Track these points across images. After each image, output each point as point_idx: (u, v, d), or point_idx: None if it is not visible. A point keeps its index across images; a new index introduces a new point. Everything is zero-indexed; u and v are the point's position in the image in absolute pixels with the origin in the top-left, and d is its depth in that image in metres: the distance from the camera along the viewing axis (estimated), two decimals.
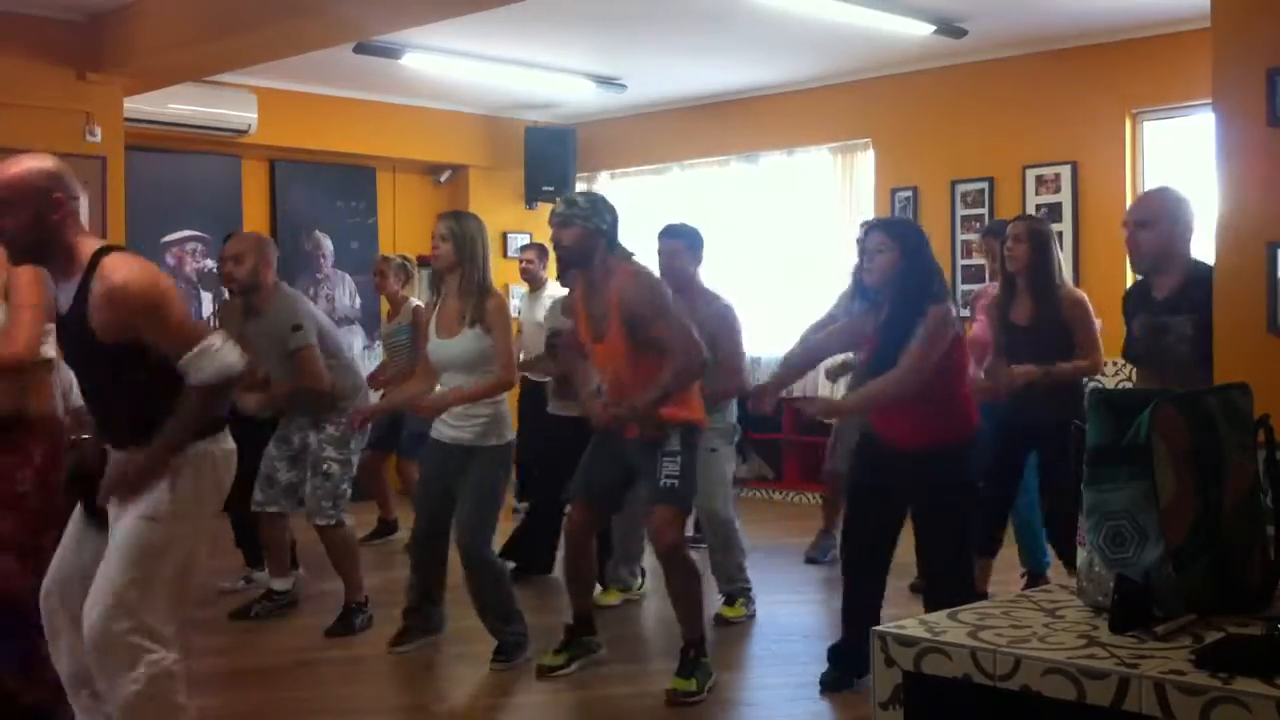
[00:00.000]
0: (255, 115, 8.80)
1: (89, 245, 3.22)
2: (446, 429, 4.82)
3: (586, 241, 4.42)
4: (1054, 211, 7.86)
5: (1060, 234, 7.52)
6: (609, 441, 4.56)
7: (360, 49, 7.77)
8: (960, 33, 7.63)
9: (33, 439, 3.76)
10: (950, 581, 4.16)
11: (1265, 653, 1.50)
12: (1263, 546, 1.82)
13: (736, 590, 5.62)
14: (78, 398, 6.53)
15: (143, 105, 7.99)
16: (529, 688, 4.70)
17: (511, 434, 4.87)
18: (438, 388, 4.86)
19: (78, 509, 3.45)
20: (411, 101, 9.58)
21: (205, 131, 8.71)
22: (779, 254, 9.40)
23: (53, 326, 3.65)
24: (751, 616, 5.61)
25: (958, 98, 8.35)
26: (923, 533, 4.33)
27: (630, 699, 4.52)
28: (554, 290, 7.60)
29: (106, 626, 3.15)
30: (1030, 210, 7.97)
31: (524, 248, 8.34)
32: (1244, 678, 1.45)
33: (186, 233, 8.90)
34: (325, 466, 5.35)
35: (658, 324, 4.35)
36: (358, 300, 9.68)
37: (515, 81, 8.91)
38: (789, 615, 5.70)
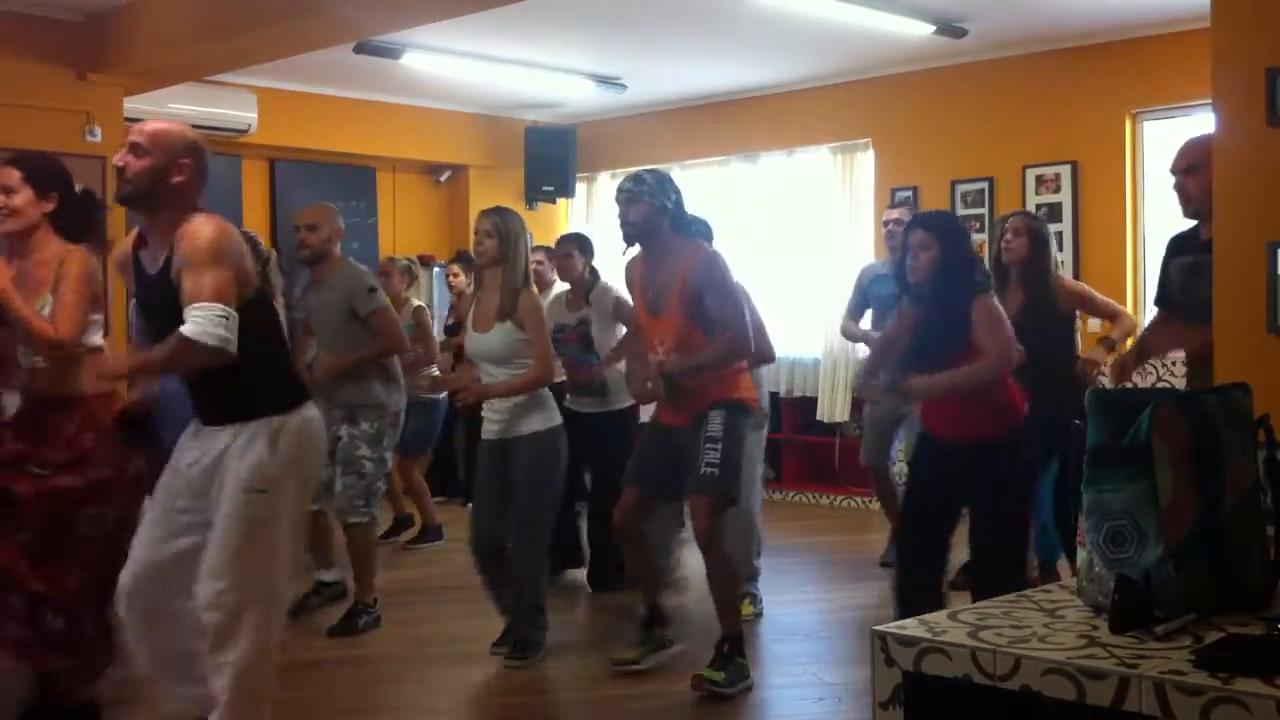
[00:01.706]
0: (255, 115, 8.80)
1: (191, 213, 3.35)
2: (490, 426, 4.90)
3: (652, 218, 4.48)
4: (1054, 211, 7.86)
5: (1060, 234, 7.53)
6: (660, 430, 4.60)
7: (360, 49, 7.77)
8: (960, 33, 7.63)
9: (80, 420, 3.83)
10: (1005, 574, 4.11)
11: (1265, 653, 1.50)
12: (1263, 546, 1.82)
13: (742, 591, 5.55)
14: None
15: (143, 105, 7.98)
16: (533, 687, 4.70)
17: (555, 419, 4.89)
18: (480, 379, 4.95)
19: (150, 502, 3.51)
20: (411, 101, 9.58)
21: (205, 131, 8.55)
22: (779, 254, 9.40)
23: (99, 317, 3.84)
24: (759, 615, 5.56)
25: (958, 98, 8.35)
26: (979, 525, 4.30)
27: (630, 699, 4.52)
28: (560, 289, 7.61)
29: (218, 599, 3.26)
30: (1030, 210, 7.97)
31: (532, 249, 8.39)
32: (1244, 678, 1.45)
33: None
34: (360, 465, 5.33)
35: (718, 301, 4.40)
36: None
37: (515, 81, 8.91)
38: (790, 615, 5.70)
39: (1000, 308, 4.28)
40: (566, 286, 6.34)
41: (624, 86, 9.17)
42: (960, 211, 8.28)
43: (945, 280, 4.22)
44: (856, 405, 8.65)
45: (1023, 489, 4.34)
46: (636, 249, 4.62)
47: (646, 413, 5.45)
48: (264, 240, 9.24)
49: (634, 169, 10.12)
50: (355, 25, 6.71)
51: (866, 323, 6.52)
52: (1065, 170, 7.92)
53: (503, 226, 4.84)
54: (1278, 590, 1.82)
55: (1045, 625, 1.74)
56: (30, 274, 3.82)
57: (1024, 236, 5.23)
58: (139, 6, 7.09)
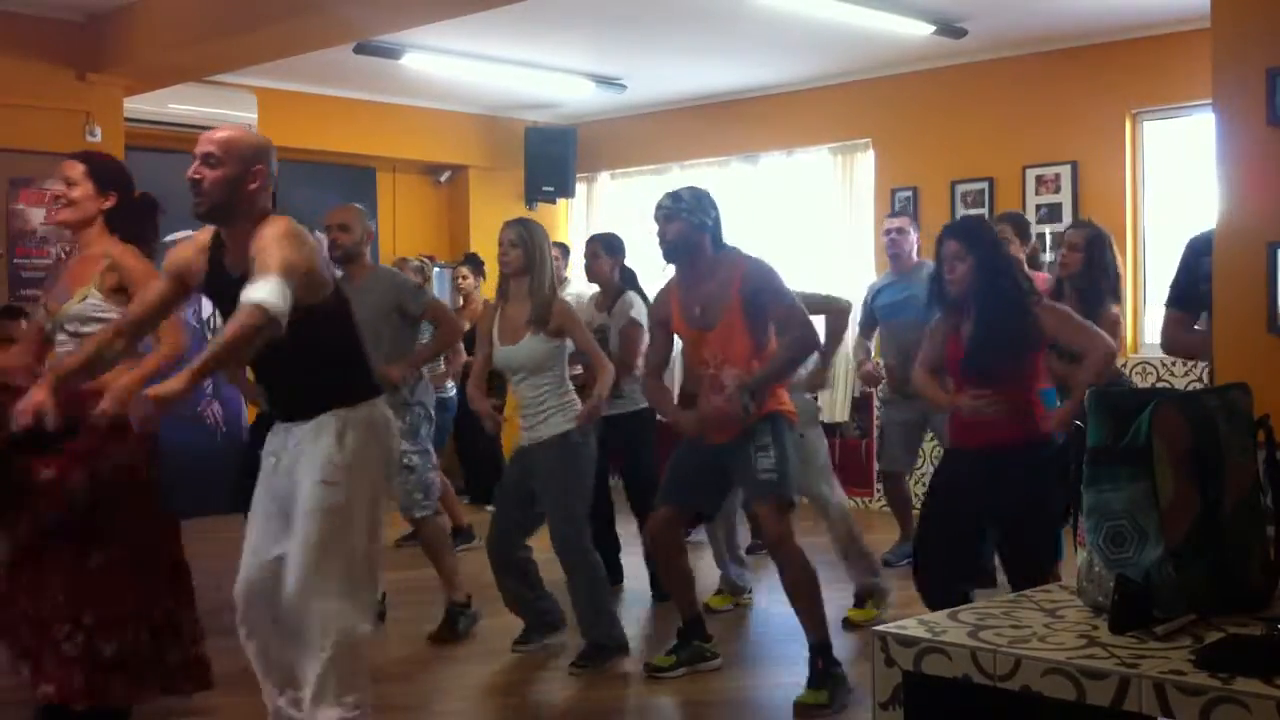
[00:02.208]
0: (255, 115, 8.78)
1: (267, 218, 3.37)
2: (524, 434, 4.92)
3: (689, 236, 4.48)
4: (1054, 211, 7.87)
5: (1060, 233, 7.52)
6: (697, 444, 4.54)
7: (360, 49, 7.77)
8: (960, 33, 7.63)
9: (125, 428, 3.78)
10: (1039, 579, 4.07)
11: (1265, 653, 1.50)
12: (1263, 546, 1.82)
13: (870, 586, 5.44)
14: None
15: (143, 105, 7.98)
16: (541, 685, 4.70)
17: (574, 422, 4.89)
18: (510, 389, 5.02)
19: (254, 505, 3.52)
20: (411, 101, 9.58)
21: (205, 132, 8.69)
22: (779, 254, 9.37)
23: None
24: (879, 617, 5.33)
25: (958, 98, 8.35)
26: (1011, 532, 4.23)
27: (639, 700, 4.52)
28: (576, 289, 7.76)
29: (300, 594, 3.29)
30: (1030, 210, 7.98)
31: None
32: (1244, 678, 1.45)
33: (187, 233, 8.78)
34: (406, 460, 5.29)
35: (777, 302, 4.43)
36: None
37: (515, 81, 8.91)
38: (790, 615, 5.65)
39: (1062, 304, 4.24)
40: (590, 289, 6.45)
41: (624, 86, 9.17)
42: (960, 212, 8.28)
43: (990, 289, 4.12)
44: (857, 406, 8.66)
45: (1054, 494, 4.21)
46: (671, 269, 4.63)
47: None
48: None
49: (634, 169, 10.26)
50: (355, 25, 6.71)
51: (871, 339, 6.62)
52: (1065, 170, 7.92)
53: (527, 236, 4.84)
54: (1278, 590, 1.82)
55: (1045, 625, 1.74)
56: (75, 268, 3.87)
57: (1080, 252, 5.14)
58: (139, 6, 7.08)
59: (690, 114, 9.78)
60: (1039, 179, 8.02)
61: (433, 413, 5.64)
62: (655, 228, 4.53)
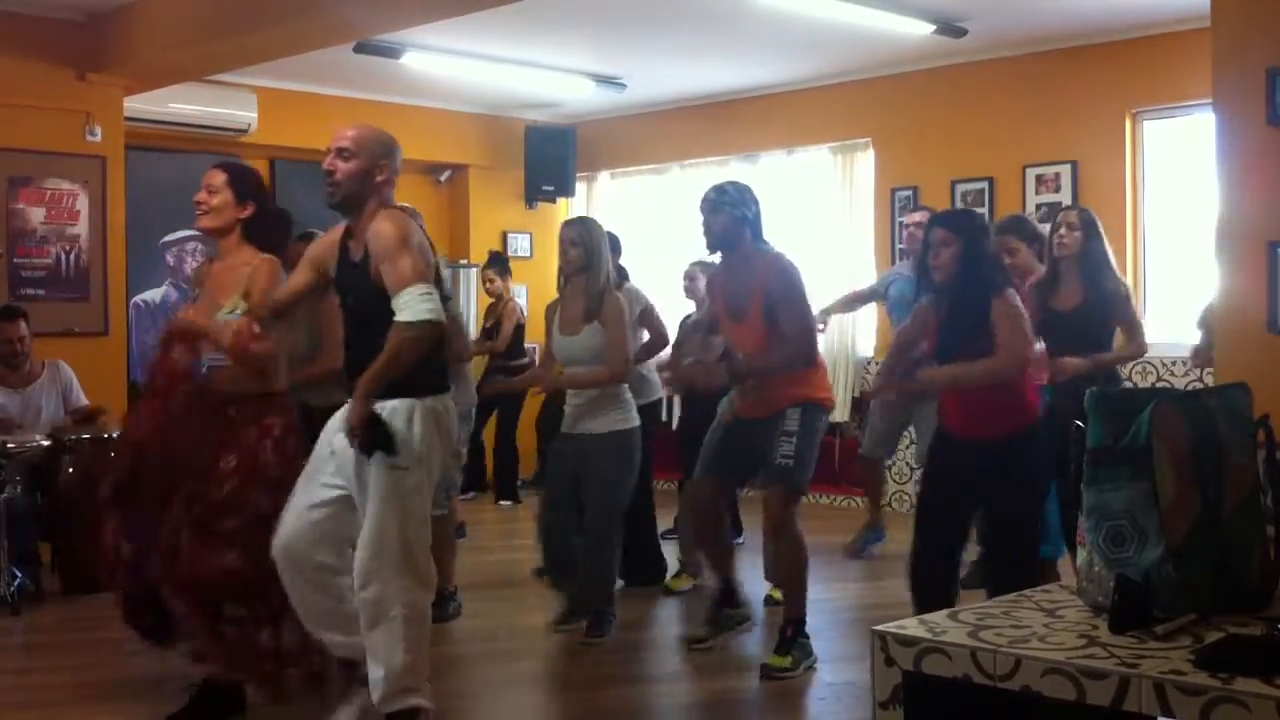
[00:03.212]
0: (255, 115, 8.80)
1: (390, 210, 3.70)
2: (566, 419, 5.16)
3: (733, 228, 4.72)
4: (1054, 211, 7.84)
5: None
6: (735, 422, 4.81)
7: (360, 49, 7.77)
8: (960, 33, 7.63)
9: (274, 414, 4.02)
10: (1020, 571, 4.08)
11: (1265, 653, 1.50)
12: (1263, 546, 1.82)
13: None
14: (77, 397, 6.57)
15: (143, 105, 7.99)
16: (544, 683, 4.70)
17: (632, 421, 5.13)
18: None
19: (307, 467, 3.76)
20: (411, 101, 9.57)
21: (205, 131, 8.71)
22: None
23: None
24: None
25: (958, 98, 8.35)
26: (995, 523, 4.33)
27: (647, 697, 4.52)
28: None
29: (368, 571, 3.54)
30: (1030, 210, 7.97)
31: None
32: (1244, 678, 1.45)
33: (186, 233, 8.88)
34: None
35: (786, 311, 4.64)
36: None
37: (515, 81, 8.91)
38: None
39: (1020, 307, 4.27)
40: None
41: (624, 86, 9.17)
42: None
43: (966, 278, 4.25)
44: (857, 405, 8.65)
45: (1038, 487, 4.36)
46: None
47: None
48: None
49: (634, 169, 10.26)
50: (355, 25, 6.71)
51: (868, 316, 6.74)
52: (1065, 170, 7.92)
53: (587, 236, 5.10)
54: (1278, 590, 1.82)
55: (1045, 625, 1.74)
56: (220, 276, 4.09)
57: (1078, 231, 5.26)
58: (139, 6, 7.08)
59: (690, 114, 9.77)
60: (1039, 179, 8.02)
61: (472, 413, 5.72)
62: (700, 218, 4.76)
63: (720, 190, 4.76)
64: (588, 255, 5.07)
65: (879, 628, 1.74)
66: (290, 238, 4.45)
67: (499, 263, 8.86)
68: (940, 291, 4.36)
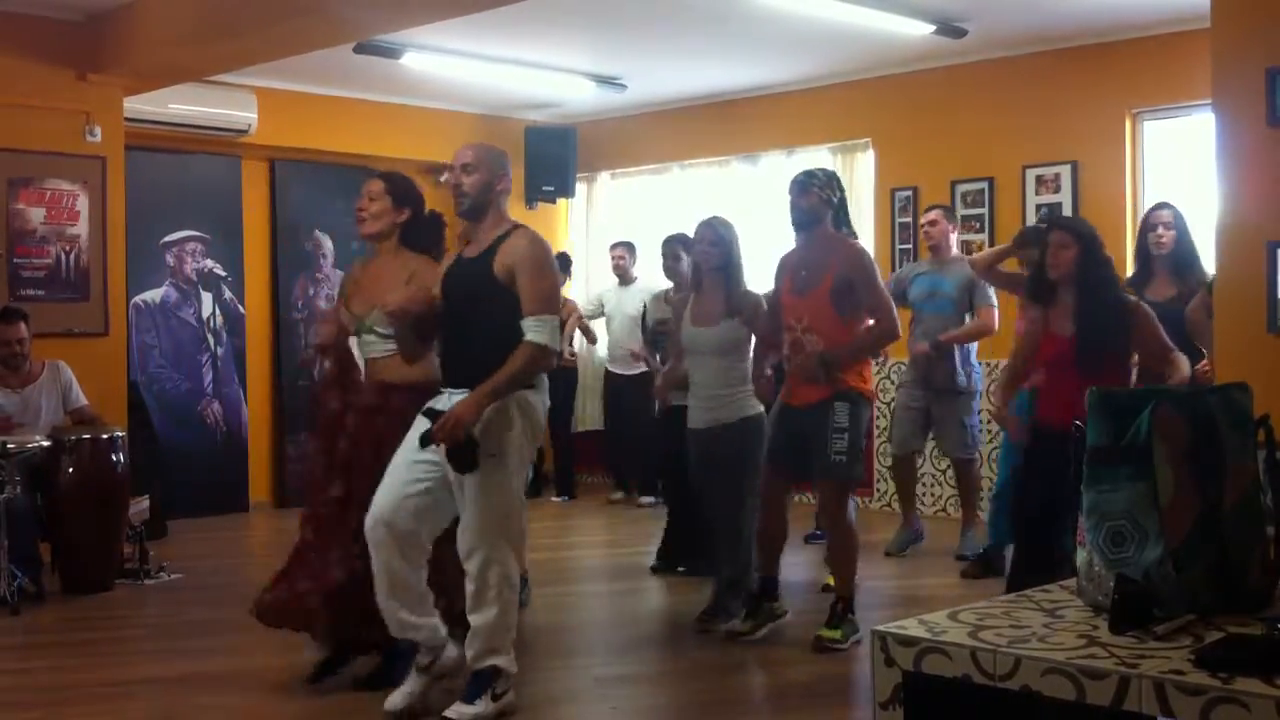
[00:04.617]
0: (255, 115, 8.79)
1: (507, 219, 4.16)
2: (700, 415, 5.41)
3: (818, 209, 5.10)
4: (1054, 212, 7.85)
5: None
6: (784, 411, 5.13)
7: (360, 49, 7.76)
8: (960, 33, 7.63)
9: (398, 404, 4.33)
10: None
11: (1265, 653, 1.50)
12: (1263, 546, 1.82)
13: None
14: (77, 398, 6.58)
15: (143, 105, 7.98)
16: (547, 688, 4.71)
17: (758, 407, 5.37)
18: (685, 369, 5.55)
19: (404, 447, 4.08)
20: (411, 101, 9.57)
21: (205, 131, 8.70)
22: (780, 254, 9.38)
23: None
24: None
25: (958, 98, 8.34)
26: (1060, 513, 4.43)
27: (650, 696, 4.52)
28: (645, 284, 8.27)
29: (471, 550, 3.95)
30: (1030, 210, 7.98)
31: (614, 245, 9.19)
32: (1244, 678, 1.45)
33: (186, 233, 8.89)
34: None
35: (869, 291, 5.03)
36: None
37: (515, 81, 8.91)
38: (792, 614, 5.68)
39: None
40: (660, 285, 6.86)
41: (624, 86, 9.16)
42: (960, 211, 8.28)
43: (1093, 277, 4.66)
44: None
45: None
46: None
47: None
48: (266, 242, 9.26)
49: (634, 169, 10.26)
50: (355, 25, 6.71)
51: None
52: (1065, 170, 7.91)
53: (726, 235, 5.41)
54: (1278, 590, 1.82)
55: (1045, 625, 1.74)
56: (380, 274, 4.48)
57: (1173, 229, 5.50)
58: (139, 6, 7.08)
59: (690, 114, 9.77)
60: (1039, 179, 8.02)
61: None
62: (788, 198, 5.14)
63: (810, 174, 5.16)
64: (723, 254, 5.36)
65: (879, 628, 1.74)
66: (443, 240, 4.75)
67: (561, 261, 8.91)
68: (1051, 292, 4.74)
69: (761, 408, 5.38)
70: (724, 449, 5.31)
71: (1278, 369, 4.12)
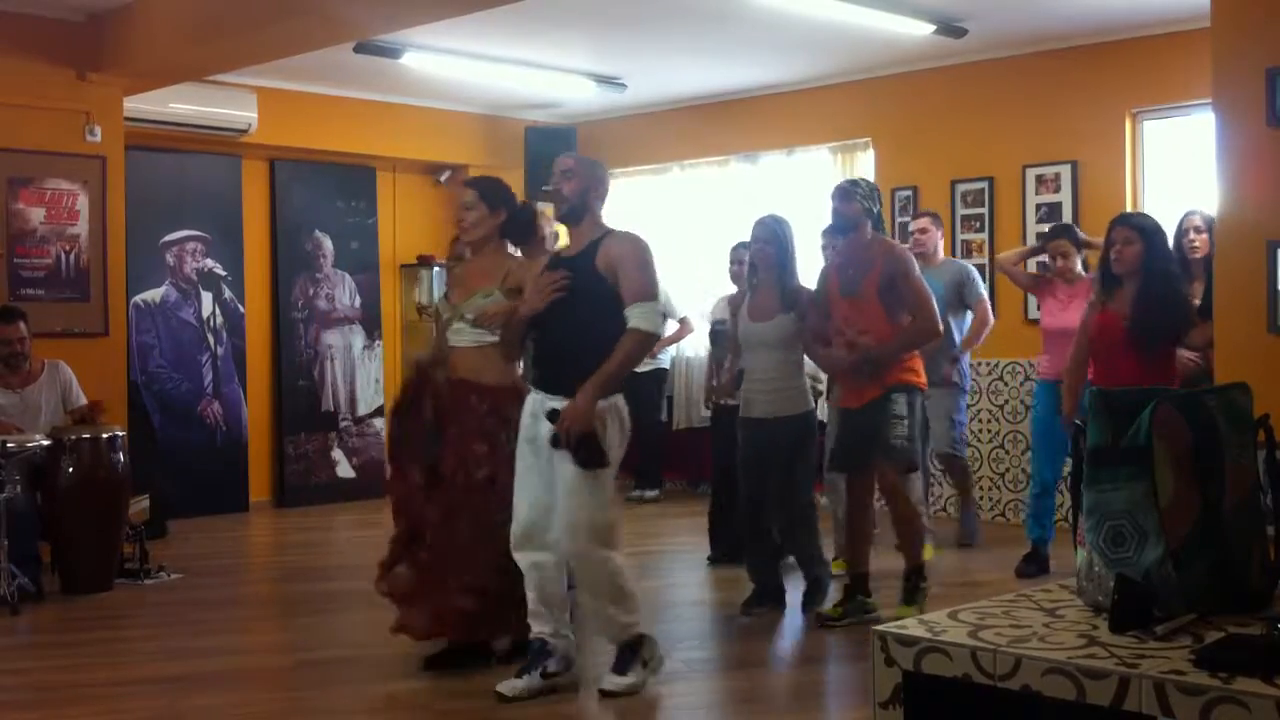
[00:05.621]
0: (255, 115, 8.79)
1: (602, 223, 4.51)
2: (756, 406, 5.58)
3: (858, 217, 5.38)
4: (1054, 211, 7.86)
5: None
6: (842, 414, 5.46)
7: (360, 49, 7.76)
8: (960, 33, 7.63)
9: (514, 405, 4.54)
10: None
11: (1265, 653, 1.50)
12: (1263, 546, 1.82)
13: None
14: (77, 398, 6.57)
15: (143, 105, 7.99)
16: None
17: (811, 402, 5.68)
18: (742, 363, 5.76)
19: (521, 459, 4.34)
20: (411, 101, 9.57)
21: (205, 131, 8.71)
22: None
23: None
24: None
25: (958, 98, 8.35)
26: None
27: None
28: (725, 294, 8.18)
29: (582, 549, 4.22)
30: (1030, 210, 7.98)
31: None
32: (1244, 678, 1.45)
33: (186, 232, 8.89)
34: None
35: (908, 288, 5.26)
36: (358, 300, 9.68)
37: (515, 81, 8.91)
38: (793, 613, 5.70)
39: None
40: (727, 290, 6.97)
41: (624, 86, 9.16)
42: (960, 211, 8.29)
43: (1158, 268, 4.93)
44: None
45: None
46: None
47: None
48: (266, 242, 9.27)
49: (634, 169, 10.27)
50: (355, 25, 6.71)
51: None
52: (1065, 170, 7.91)
53: (781, 234, 5.60)
54: (1278, 590, 1.82)
55: (1045, 625, 1.74)
56: (481, 267, 4.79)
57: (1206, 233, 5.58)
58: (139, 6, 7.08)
59: (690, 114, 9.77)
60: (1039, 179, 8.02)
61: None
62: (830, 204, 5.45)
63: (854, 183, 5.49)
64: (780, 253, 5.55)
65: (879, 628, 1.74)
66: (537, 231, 5.15)
67: None
68: (1115, 283, 5.03)
69: (812, 404, 5.67)
70: (783, 440, 5.50)
71: (1278, 369, 4.12)
